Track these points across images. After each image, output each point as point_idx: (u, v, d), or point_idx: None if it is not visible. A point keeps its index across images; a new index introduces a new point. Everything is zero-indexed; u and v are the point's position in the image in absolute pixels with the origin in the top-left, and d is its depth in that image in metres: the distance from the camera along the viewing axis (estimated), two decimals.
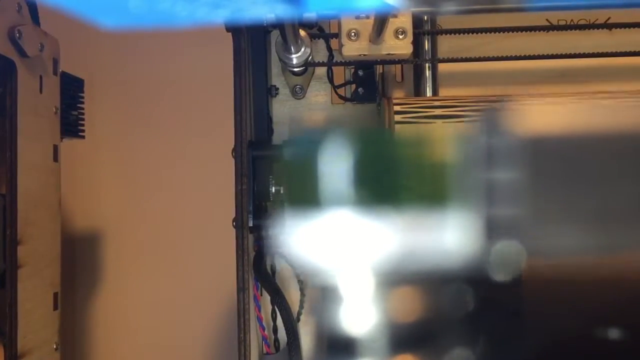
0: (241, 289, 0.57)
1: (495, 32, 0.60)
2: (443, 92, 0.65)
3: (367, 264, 0.18)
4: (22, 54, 0.61)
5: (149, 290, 0.95)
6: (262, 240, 0.62)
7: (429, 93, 0.64)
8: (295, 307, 0.63)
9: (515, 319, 0.18)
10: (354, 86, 0.66)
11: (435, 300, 0.18)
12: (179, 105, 0.96)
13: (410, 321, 0.18)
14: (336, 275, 0.18)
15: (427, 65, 0.64)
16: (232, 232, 0.58)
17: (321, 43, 0.65)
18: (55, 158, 0.69)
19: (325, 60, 0.65)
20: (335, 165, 0.18)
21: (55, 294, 0.68)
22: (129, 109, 0.97)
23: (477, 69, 0.65)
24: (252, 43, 0.61)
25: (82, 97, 0.76)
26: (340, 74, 0.67)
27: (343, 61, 0.60)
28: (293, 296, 0.64)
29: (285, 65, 0.63)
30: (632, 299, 0.18)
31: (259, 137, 0.62)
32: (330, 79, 0.66)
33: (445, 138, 0.18)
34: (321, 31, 0.64)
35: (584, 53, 0.61)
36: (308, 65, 0.63)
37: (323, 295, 0.18)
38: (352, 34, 0.54)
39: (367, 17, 0.53)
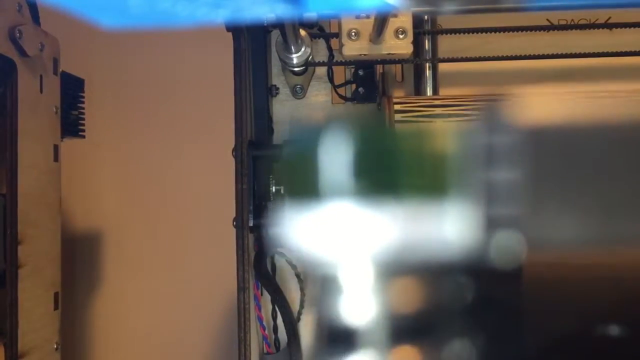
0: (241, 288, 0.57)
1: (495, 32, 0.60)
2: (443, 91, 0.65)
3: (366, 256, 0.18)
4: (23, 53, 0.61)
5: (149, 290, 0.95)
6: (263, 240, 0.62)
7: (429, 93, 0.64)
8: (295, 307, 0.63)
9: (515, 310, 0.18)
10: (354, 86, 0.66)
11: (435, 292, 0.18)
12: (179, 104, 0.96)
13: (410, 312, 0.18)
14: (336, 266, 0.18)
15: (427, 65, 0.64)
16: (233, 231, 0.58)
17: (321, 43, 0.65)
18: (56, 158, 0.69)
19: (326, 60, 0.65)
20: (335, 158, 0.18)
21: (56, 294, 0.68)
22: (129, 109, 0.97)
23: (477, 68, 0.65)
24: (252, 43, 0.61)
25: (83, 97, 0.76)
26: (341, 74, 0.67)
27: (343, 61, 0.60)
28: (293, 295, 0.64)
29: (286, 64, 0.63)
30: (635, 292, 0.18)
31: (259, 137, 0.62)
32: (331, 78, 0.66)
33: (444, 130, 0.18)
34: (321, 31, 0.64)
35: (584, 53, 0.61)
36: (308, 64, 0.63)
37: (323, 287, 0.18)
38: (353, 33, 0.54)
39: (368, 17, 0.53)
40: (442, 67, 0.65)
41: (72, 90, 0.74)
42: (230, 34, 0.59)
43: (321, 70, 0.66)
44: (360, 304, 0.18)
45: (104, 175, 0.97)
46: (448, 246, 0.17)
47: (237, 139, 0.58)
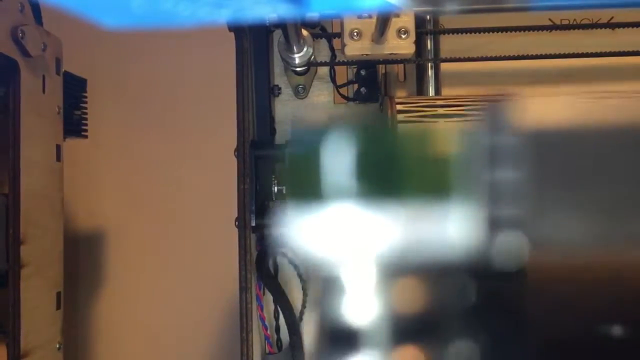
0: (244, 288, 0.57)
1: (498, 32, 0.60)
2: (446, 91, 0.65)
3: (369, 256, 0.18)
4: (25, 53, 0.61)
5: (152, 290, 0.95)
6: (265, 240, 0.62)
7: (431, 93, 0.64)
8: (297, 307, 0.63)
9: (518, 311, 0.18)
10: (356, 86, 0.66)
11: (437, 292, 0.18)
12: (181, 104, 0.96)
13: (412, 313, 0.18)
14: (338, 267, 0.18)
15: (429, 64, 0.64)
16: (235, 231, 0.58)
17: (323, 43, 0.65)
18: (58, 158, 0.69)
19: (328, 60, 0.65)
20: (338, 159, 0.18)
21: (58, 294, 0.68)
22: (132, 109, 0.97)
23: (479, 68, 0.65)
24: (254, 43, 0.61)
25: (85, 97, 0.76)
26: (343, 74, 0.67)
27: (345, 61, 0.60)
28: (295, 296, 0.64)
29: (288, 65, 0.63)
30: (638, 293, 0.18)
31: (261, 137, 0.62)
32: (333, 78, 0.66)
33: (447, 131, 0.18)
34: (323, 31, 0.64)
35: (587, 53, 0.61)
36: (310, 65, 0.63)
37: (325, 288, 0.18)
38: (355, 33, 0.54)
39: (370, 17, 0.53)
40: (445, 67, 0.65)
41: (74, 90, 0.74)
42: (232, 34, 0.59)
43: (323, 70, 0.66)
44: (362, 305, 0.18)
45: (106, 175, 0.97)
46: (451, 247, 0.17)
47: (240, 139, 0.58)
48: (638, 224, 0.17)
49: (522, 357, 0.18)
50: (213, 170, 0.90)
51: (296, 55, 0.60)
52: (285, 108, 0.66)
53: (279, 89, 0.66)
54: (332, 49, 0.65)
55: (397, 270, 0.18)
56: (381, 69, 0.67)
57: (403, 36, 0.53)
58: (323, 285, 0.18)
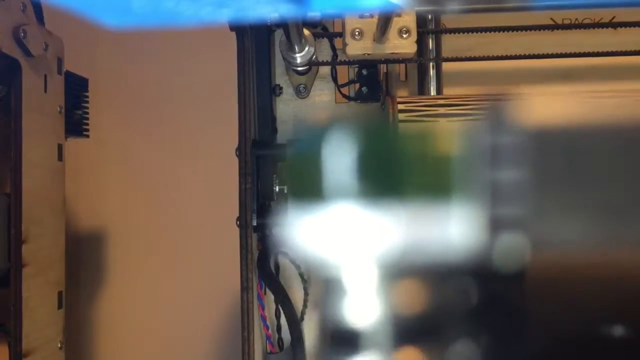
0: (245, 288, 0.57)
1: (499, 32, 0.60)
2: (447, 91, 0.65)
3: (370, 257, 0.18)
4: (27, 53, 0.62)
5: (153, 289, 0.95)
6: (266, 240, 0.62)
7: (433, 92, 0.64)
8: (299, 306, 0.63)
9: (519, 312, 0.18)
10: (357, 85, 0.66)
11: (438, 293, 0.18)
12: (183, 104, 0.96)
13: (413, 314, 0.18)
14: (340, 268, 0.18)
15: (431, 64, 0.64)
16: (236, 231, 0.58)
17: (325, 42, 0.65)
18: (60, 157, 0.69)
19: (329, 59, 0.65)
20: (340, 159, 0.18)
21: (60, 293, 0.68)
22: (133, 108, 0.97)
23: (481, 68, 0.65)
24: (256, 42, 0.61)
25: (87, 97, 0.76)
26: (344, 73, 0.67)
27: (347, 60, 0.60)
28: (297, 295, 0.64)
29: (289, 64, 0.63)
30: (639, 294, 0.18)
31: (262, 137, 0.62)
32: (334, 78, 0.66)
33: (449, 131, 0.18)
34: (325, 30, 0.64)
35: (588, 52, 0.61)
36: (312, 64, 0.63)
37: (326, 289, 0.18)
38: (356, 33, 0.54)
39: (371, 16, 0.53)
40: (446, 66, 0.65)
41: (76, 90, 0.74)
42: (233, 33, 0.59)
43: (325, 70, 0.66)
44: (364, 306, 0.18)
45: (107, 174, 0.97)
46: (452, 248, 0.17)
47: (241, 139, 0.58)
48: None
49: (523, 358, 0.18)
50: (214, 169, 0.90)
51: (298, 55, 0.60)
52: (287, 107, 0.66)
53: (281, 88, 0.66)
54: (333, 48, 0.65)
55: (398, 271, 0.18)
56: (383, 68, 0.67)
57: (404, 36, 0.53)
58: (324, 286, 0.18)
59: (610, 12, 0.63)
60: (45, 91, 0.66)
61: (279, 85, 0.66)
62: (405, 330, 0.18)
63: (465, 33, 0.61)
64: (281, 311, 0.62)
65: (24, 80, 0.61)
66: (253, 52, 0.61)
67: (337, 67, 0.66)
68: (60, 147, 0.69)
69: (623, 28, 0.61)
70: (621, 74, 0.66)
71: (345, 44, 0.54)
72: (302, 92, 0.66)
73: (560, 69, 0.66)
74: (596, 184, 0.17)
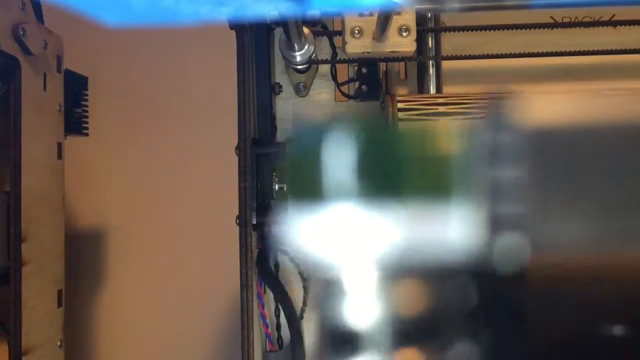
0: (244, 286, 0.57)
1: (499, 30, 0.60)
2: (447, 89, 0.65)
3: (370, 258, 0.18)
4: (26, 51, 0.61)
5: (153, 288, 0.95)
6: (266, 238, 0.62)
7: (432, 91, 0.64)
8: (298, 305, 0.63)
9: (519, 313, 0.17)
10: (357, 84, 0.66)
11: (439, 294, 0.18)
12: (182, 102, 0.96)
13: (413, 315, 0.18)
14: (339, 268, 0.18)
15: (430, 62, 0.64)
16: (236, 229, 0.58)
17: (325, 40, 0.65)
18: (59, 155, 0.69)
19: (329, 57, 0.65)
20: (339, 158, 0.18)
21: (59, 291, 0.68)
22: (133, 107, 0.97)
23: (481, 66, 0.65)
24: (255, 41, 0.61)
25: (86, 95, 0.76)
26: (344, 72, 0.67)
27: (346, 59, 0.60)
28: (296, 294, 0.64)
29: (289, 62, 0.63)
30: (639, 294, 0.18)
31: (262, 135, 0.62)
32: (334, 76, 0.66)
33: (449, 131, 0.18)
34: (325, 29, 0.64)
35: (588, 50, 0.61)
36: (311, 62, 0.63)
37: (326, 289, 0.18)
38: (356, 31, 0.54)
39: (371, 15, 0.53)
40: (446, 64, 0.65)
41: (75, 88, 0.74)
42: (233, 31, 0.59)
43: (324, 68, 0.66)
44: (363, 307, 0.18)
45: (107, 172, 0.97)
46: (452, 248, 0.17)
47: (240, 137, 0.58)
48: None
49: (523, 359, 0.18)
50: (214, 168, 0.90)
51: (297, 53, 0.60)
52: (286, 106, 0.66)
53: (280, 86, 0.66)
54: (333, 46, 0.65)
55: (398, 271, 0.18)
56: (382, 67, 0.67)
57: (404, 34, 0.53)
58: (323, 286, 0.18)
59: (610, 11, 0.63)
60: (45, 89, 0.66)
61: (278, 83, 0.66)
62: (405, 332, 0.18)
63: (465, 31, 0.61)
64: (281, 309, 0.62)
65: (23, 78, 0.61)
66: (252, 51, 0.61)
67: (337, 65, 0.66)
68: (59, 146, 0.69)
69: (623, 26, 0.61)
70: (621, 73, 0.66)
71: (344, 43, 0.54)
72: (301, 90, 0.66)
73: (560, 68, 0.66)
74: (597, 184, 0.17)
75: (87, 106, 0.76)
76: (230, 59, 0.60)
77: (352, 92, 0.66)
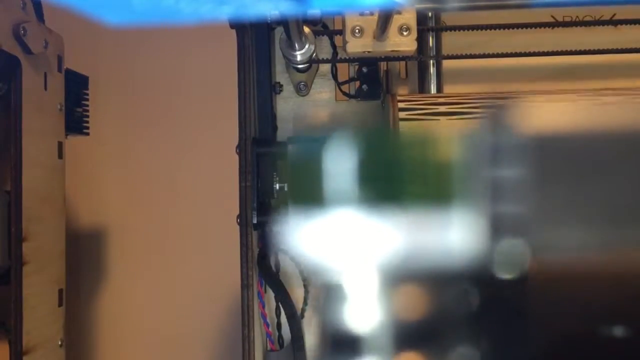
0: (245, 285, 0.57)
1: (499, 29, 0.60)
2: (447, 89, 0.65)
3: (370, 263, 0.18)
4: (27, 51, 0.61)
5: (154, 287, 0.95)
6: (267, 237, 0.62)
7: (433, 90, 0.64)
8: (299, 304, 0.63)
9: (520, 317, 0.17)
10: (358, 83, 0.66)
11: (439, 299, 0.18)
12: (183, 101, 0.96)
13: (414, 320, 0.18)
14: (340, 273, 0.18)
15: (431, 62, 0.64)
16: (236, 228, 0.58)
17: (325, 40, 0.65)
18: (60, 155, 0.69)
19: (329, 57, 0.65)
20: (339, 164, 0.18)
21: (60, 291, 0.68)
22: (134, 106, 0.97)
23: (481, 65, 0.65)
24: (256, 40, 0.61)
25: (87, 94, 0.76)
26: (344, 71, 0.67)
27: (347, 58, 0.60)
28: (297, 293, 0.64)
29: (289, 62, 0.63)
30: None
31: (262, 134, 0.62)
32: (334, 75, 0.66)
33: (449, 136, 0.18)
34: (325, 28, 0.64)
35: (589, 50, 0.61)
36: (312, 62, 0.63)
37: (327, 294, 0.18)
38: (356, 30, 0.54)
39: (371, 14, 0.53)
40: (446, 64, 0.65)
41: (76, 88, 0.74)
42: (234, 31, 0.59)
43: (325, 68, 0.66)
44: (364, 311, 0.18)
45: (108, 172, 0.97)
46: (452, 253, 0.17)
47: (241, 136, 0.58)
48: None
49: None
50: (214, 167, 0.90)
51: (298, 53, 0.60)
52: (287, 105, 0.66)
53: (281, 86, 0.66)
54: (333, 46, 0.65)
55: (399, 276, 0.18)
56: (383, 66, 0.67)
57: (405, 33, 0.53)
58: (325, 291, 0.18)
59: (611, 10, 0.63)
60: (46, 89, 0.66)
61: (279, 82, 0.66)
62: (406, 336, 0.18)
63: (466, 31, 0.61)
64: (281, 309, 0.62)
65: (24, 78, 0.61)
66: (253, 50, 0.61)
67: (338, 64, 0.66)
68: (60, 145, 0.69)
69: (624, 25, 0.61)
70: (622, 72, 0.65)
71: (345, 42, 0.54)
72: (302, 89, 0.66)
73: (560, 67, 0.66)
74: (598, 188, 0.17)
75: (87, 105, 0.76)
76: (231, 59, 0.60)
77: (352, 92, 0.66)
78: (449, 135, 0.18)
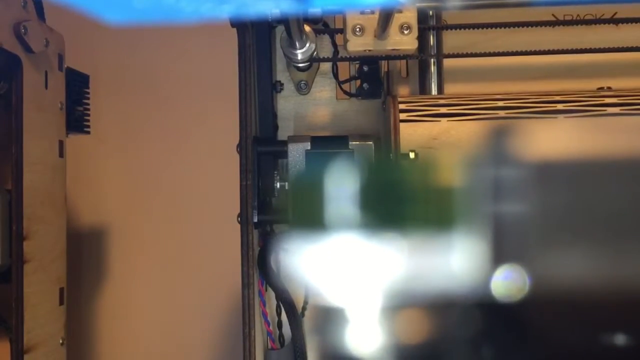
0: (246, 284, 0.57)
1: (500, 28, 0.60)
2: (448, 87, 0.65)
3: (372, 288, 0.18)
4: (28, 49, 0.61)
5: (154, 286, 0.95)
6: (267, 236, 0.62)
7: (434, 89, 0.64)
8: (299, 303, 0.63)
9: (521, 342, 0.17)
10: (358, 82, 0.66)
11: (440, 323, 0.18)
12: (184, 100, 0.96)
13: (416, 343, 0.18)
14: (342, 298, 0.18)
15: (432, 60, 0.64)
16: (237, 227, 0.58)
17: (326, 38, 0.65)
18: (61, 154, 0.69)
19: (330, 55, 0.65)
20: (342, 194, 0.18)
21: (61, 289, 0.68)
22: (134, 105, 0.97)
23: (482, 64, 0.65)
24: (257, 39, 0.61)
25: (88, 93, 0.76)
26: (345, 70, 0.67)
27: (348, 57, 0.60)
28: (297, 292, 0.64)
29: (290, 60, 0.63)
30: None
31: (263, 133, 0.62)
32: (335, 74, 0.66)
33: (450, 164, 0.18)
34: (326, 26, 0.64)
35: (590, 48, 0.61)
36: (313, 60, 0.63)
37: (329, 318, 0.18)
38: (357, 29, 0.53)
39: (372, 13, 0.53)
40: (447, 63, 0.65)
41: (77, 86, 0.74)
42: (234, 29, 0.59)
43: (326, 66, 0.66)
44: (365, 335, 0.18)
45: (109, 170, 0.97)
46: (454, 278, 0.17)
47: (242, 135, 0.58)
48: None
49: None
50: (215, 166, 0.90)
51: (299, 51, 0.60)
52: (288, 104, 0.66)
53: (282, 84, 0.66)
54: (334, 44, 0.65)
55: (400, 301, 0.18)
56: (384, 65, 0.67)
57: (405, 32, 0.53)
58: (326, 314, 0.18)
59: (612, 8, 0.63)
60: (46, 87, 0.66)
61: (279, 81, 0.66)
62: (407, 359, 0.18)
63: (467, 29, 0.61)
64: (282, 307, 0.62)
65: (24, 76, 0.61)
66: (254, 49, 0.61)
67: (338, 63, 0.66)
68: (61, 144, 0.69)
69: (625, 24, 0.61)
70: (623, 70, 0.65)
71: (346, 40, 0.54)
72: (303, 88, 0.66)
73: (561, 65, 0.66)
74: (598, 215, 0.17)
75: (88, 104, 0.76)
76: (232, 57, 0.60)
77: (353, 90, 0.66)
78: (450, 162, 0.18)
